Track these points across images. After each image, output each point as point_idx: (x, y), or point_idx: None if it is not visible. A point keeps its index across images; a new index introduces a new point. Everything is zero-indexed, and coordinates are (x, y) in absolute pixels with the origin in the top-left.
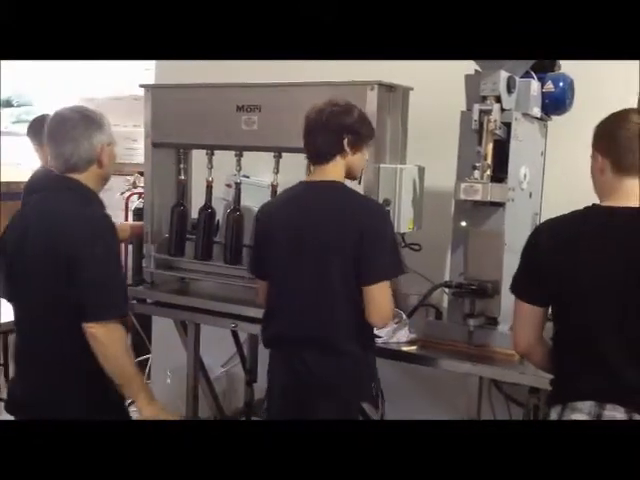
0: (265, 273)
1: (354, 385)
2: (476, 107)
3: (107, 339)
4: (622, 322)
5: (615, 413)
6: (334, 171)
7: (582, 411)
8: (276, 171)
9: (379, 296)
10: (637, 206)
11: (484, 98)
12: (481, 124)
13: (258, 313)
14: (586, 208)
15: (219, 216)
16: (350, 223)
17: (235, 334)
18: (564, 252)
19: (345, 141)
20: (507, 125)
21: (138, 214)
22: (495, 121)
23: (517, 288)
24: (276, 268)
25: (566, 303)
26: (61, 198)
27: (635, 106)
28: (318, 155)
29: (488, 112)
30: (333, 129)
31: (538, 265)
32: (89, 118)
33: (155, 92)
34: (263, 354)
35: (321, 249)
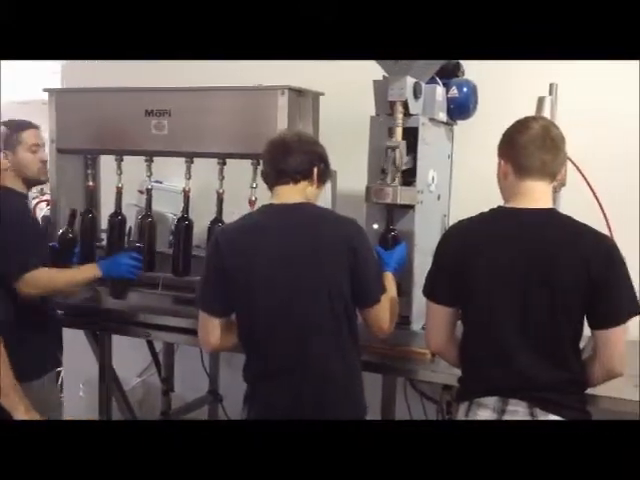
0: (229, 308)
1: (354, 409)
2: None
3: None
4: (525, 321)
5: (518, 408)
6: (300, 194)
7: (487, 407)
8: (188, 176)
9: (379, 313)
10: (539, 207)
11: (392, 103)
12: (390, 129)
13: (172, 322)
14: (492, 210)
15: (131, 223)
16: (341, 241)
17: (150, 343)
18: (471, 253)
19: (315, 169)
20: (414, 130)
21: (46, 221)
22: (403, 126)
23: (429, 290)
24: (252, 300)
25: (473, 303)
26: None
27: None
28: (288, 174)
29: (394, 148)
30: (308, 152)
31: (447, 267)
32: None
33: (60, 96)
34: (179, 363)
35: (308, 273)
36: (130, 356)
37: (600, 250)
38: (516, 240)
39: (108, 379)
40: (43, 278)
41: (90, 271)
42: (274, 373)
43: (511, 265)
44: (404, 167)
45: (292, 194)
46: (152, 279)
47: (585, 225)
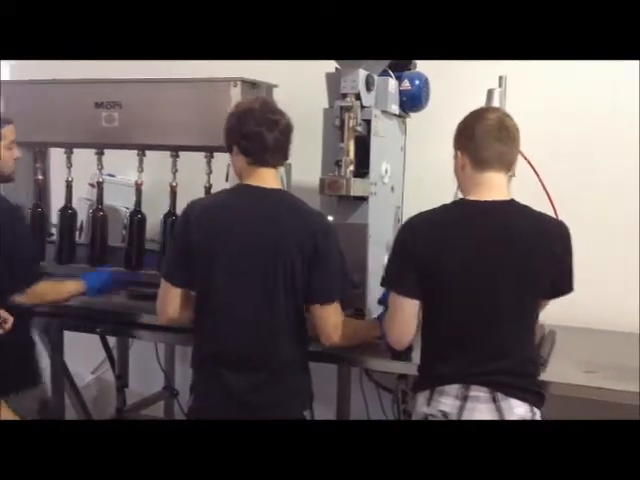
0: (189, 280)
1: (300, 397)
2: (337, 104)
3: None
4: (489, 309)
5: (480, 393)
6: (276, 178)
7: (449, 394)
8: (140, 169)
9: (328, 315)
10: (500, 199)
11: (344, 95)
12: (342, 121)
13: (126, 317)
14: (455, 202)
15: (83, 217)
16: (305, 234)
17: (104, 339)
18: (433, 245)
19: (288, 151)
20: (367, 122)
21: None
22: (355, 118)
23: (396, 283)
24: (212, 278)
25: (435, 293)
26: None
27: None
28: (277, 157)
29: (349, 109)
30: (289, 134)
31: (415, 259)
32: None
33: (8, 88)
34: (133, 358)
35: (270, 261)
36: (83, 353)
37: (560, 236)
38: (477, 232)
39: (60, 376)
40: (40, 290)
41: (75, 286)
42: (220, 357)
43: (478, 256)
44: (358, 128)
45: (270, 178)
46: None
47: (543, 214)
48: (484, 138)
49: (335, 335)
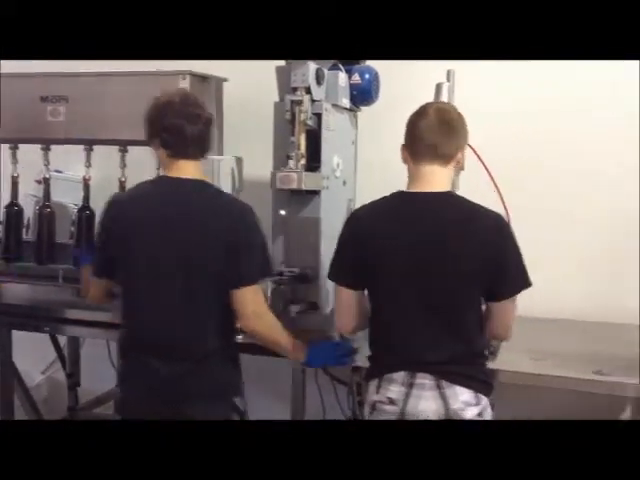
0: (108, 271)
1: (227, 387)
2: (287, 98)
3: None
4: (429, 299)
5: (425, 381)
6: (198, 169)
7: (396, 381)
8: (88, 164)
9: (245, 300)
10: (435, 190)
11: (295, 89)
12: (293, 114)
13: (75, 315)
14: (392, 194)
15: (30, 214)
16: (223, 221)
17: (54, 338)
18: (374, 237)
19: (209, 144)
20: (318, 115)
21: None
22: (306, 112)
23: (335, 273)
24: (133, 267)
25: (379, 284)
26: None
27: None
28: (197, 149)
29: (299, 103)
30: (210, 127)
31: (352, 250)
32: None
33: None
34: (85, 357)
35: (187, 248)
36: (33, 352)
37: (494, 228)
38: (415, 223)
39: (9, 377)
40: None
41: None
42: (143, 346)
43: (412, 247)
44: (309, 122)
45: (190, 170)
46: (52, 271)
47: (479, 205)
48: (421, 132)
49: (254, 321)
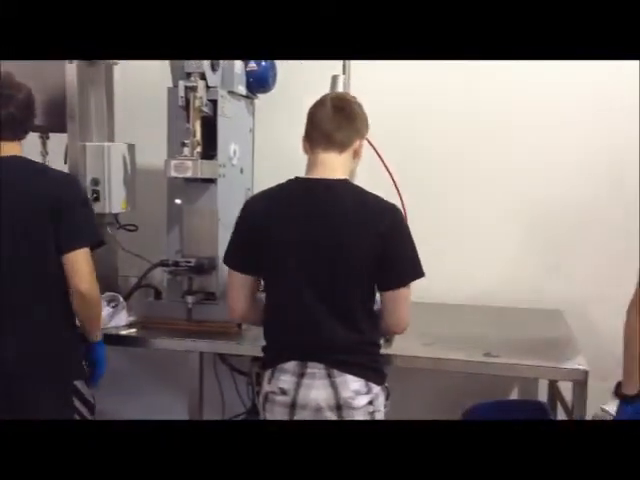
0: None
1: (63, 365)
2: (181, 84)
3: None
4: (320, 287)
5: (315, 370)
6: (16, 148)
7: (288, 371)
8: None
9: (73, 263)
10: (329, 177)
11: (189, 75)
12: (187, 101)
13: None
14: (288, 181)
15: None
16: (44, 192)
17: None
18: (269, 222)
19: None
20: (213, 102)
21: None
22: (201, 98)
23: (229, 259)
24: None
25: (271, 272)
26: None
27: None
28: (13, 131)
29: (194, 89)
30: (27, 108)
31: (245, 236)
32: None
33: None
34: None
35: (16, 219)
36: None
37: (386, 218)
38: (307, 208)
39: None
40: None
41: None
42: None
43: (303, 233)
44: (204, 109)
45: (9, 149)
46: None
47: (373, 195)
48: (318, 120)
49: (84, 283)
